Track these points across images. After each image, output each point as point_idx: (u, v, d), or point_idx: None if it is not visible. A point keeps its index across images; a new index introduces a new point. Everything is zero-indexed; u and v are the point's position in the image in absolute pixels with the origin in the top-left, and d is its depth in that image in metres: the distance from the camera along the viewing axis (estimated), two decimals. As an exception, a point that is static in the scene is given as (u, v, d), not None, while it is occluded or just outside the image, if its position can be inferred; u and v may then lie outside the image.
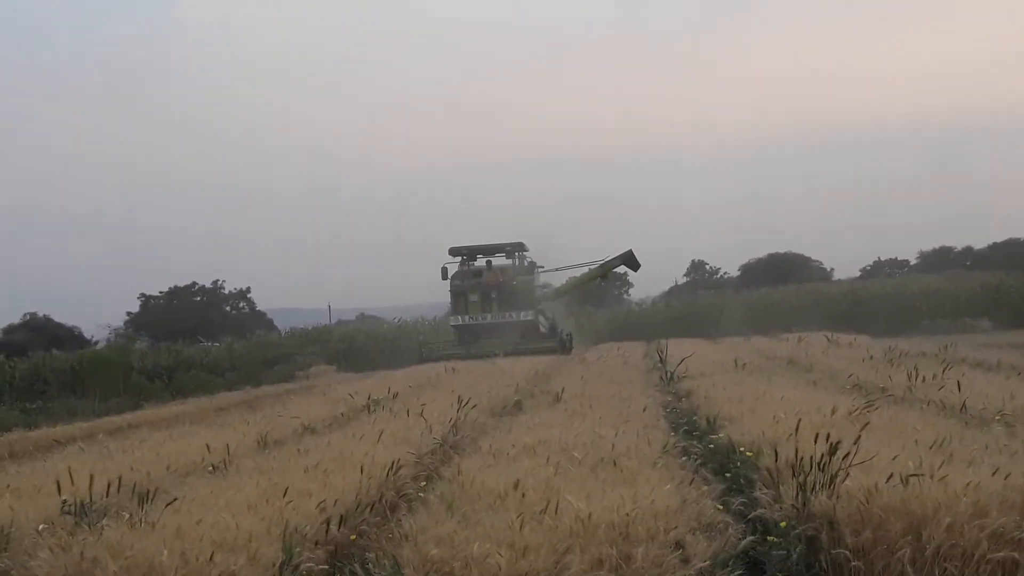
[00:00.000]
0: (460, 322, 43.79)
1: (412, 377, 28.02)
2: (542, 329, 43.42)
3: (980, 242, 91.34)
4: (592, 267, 45.83)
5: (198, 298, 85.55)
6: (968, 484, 6.96)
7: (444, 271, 43.91)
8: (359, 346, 55.78)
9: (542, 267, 46.55)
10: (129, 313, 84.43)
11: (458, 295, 44.13)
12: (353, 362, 48.81)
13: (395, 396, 20.39)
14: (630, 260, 45.29)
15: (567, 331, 43.75)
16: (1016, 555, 6.30)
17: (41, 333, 72.49)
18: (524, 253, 45.32)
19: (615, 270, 48.78)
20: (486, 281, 43.68)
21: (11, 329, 74.68)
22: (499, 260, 44.77)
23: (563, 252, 50.55)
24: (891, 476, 7.16)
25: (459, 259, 44.70)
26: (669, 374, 23.99)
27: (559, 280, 47.42)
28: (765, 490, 7.87)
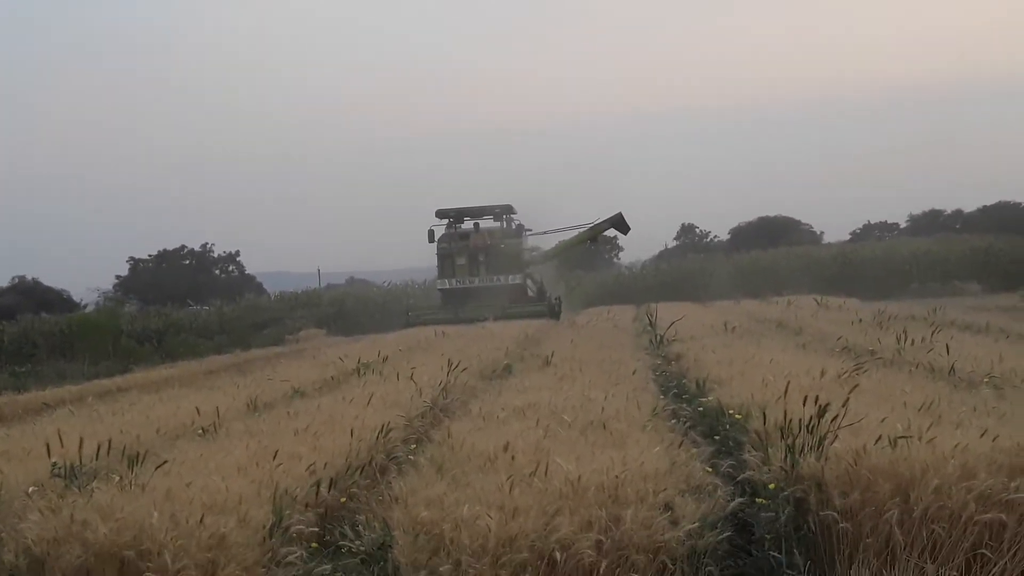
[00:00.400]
0: (447, 286, 42.80)
1: (402, 341, 28.02)
2: (530, 293, 42.60)
3: (970, 205, 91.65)
4: (582, 230, 45.10)
5: (187, 261, 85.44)
6: (956, 446, 6.99)
7: (431, 233, 43.26)
8: (349, 310, 55.71)
9: (531, 230, 45.39)
10: (118, 277, 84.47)
11: (445, 258, 43.16)
12: (343, 326, 48.74)
13: (385, 359, 20.39)
14: (620, 223, 44.57)
15: (556, 295, 43.06)
16: (1003, 516, 6.33)
17: (30, 296, 72.45)
18: (512, 216, 44.61)
19: (605, 233, 47.98)
20: (473, 244, 42.69)
21: (0, 295, 74.58)
22: (487, 223, 43.97)
23: (552, 215, 49.98)
24: (879, 438, 7.19)
25: (446, 221, 43.91)
26: (659, 337, 24.02)
27: (548, 243, 46.40)
28: (754, 452, 7.90)
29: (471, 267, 42.09)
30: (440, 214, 43.45)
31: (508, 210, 44.00)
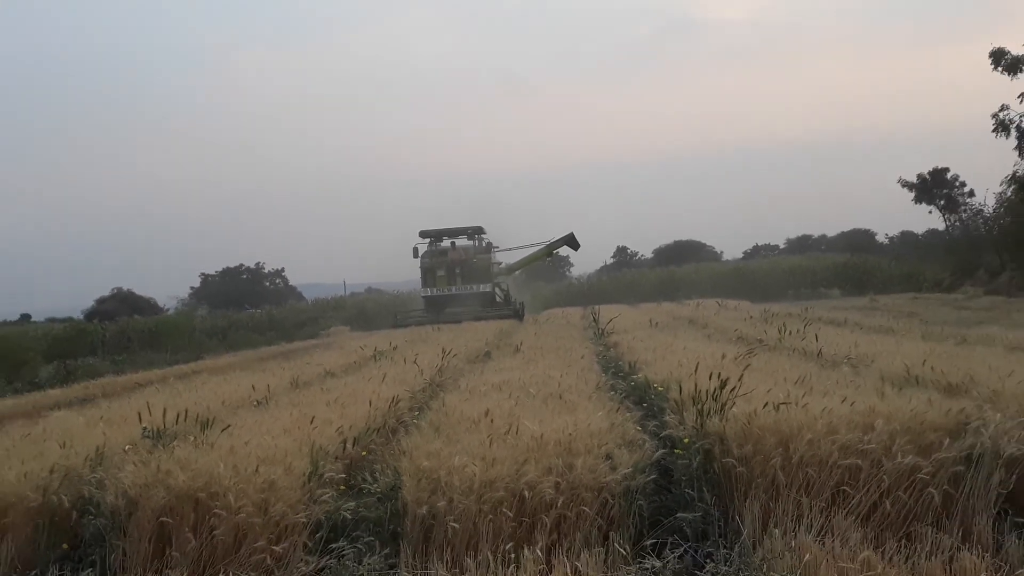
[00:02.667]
0: (429, 293, 41.60)
1: (408, 335, 27.93)
2: (498, 299, 41.64)
3: (832, 231, 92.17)
4: (540, 247, 44.30)
5: (244, 276, 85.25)
6: (823, 409, 7.02)
7: (415, 250, 41.99)
8: (368, 311, 55.55)
9: (498, 247, 44.65)
10: (192, 287, 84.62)
11: (427, 271, 41.76)
12: (363, 324, 48.39)
13: (395, 348, 20.35)
14: (571, 241, 43.71)
15: (520, 300, 42.04)
16: (859, 461, 6.36)
17: (125, 303, 72.40)
18: (483, 236, 43.59)
19: (560, 251, 46.02)
20: (451, 259, 41.72)
21: (103, 300, 74.47)
22: (462, 241, 43.13)
23: (517, 234, 50.34)
24: (766, 404, 7.21)
25: (428, 240, 42.75)
26: (600, 331, 23.98)
27: (513, 258, 45.28)
28: (672, 415, 7.91)
29: (449, 278, 41.16)
30: (423, 234, 42.58)
31: (479, 231, 43.30)
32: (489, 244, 43.51)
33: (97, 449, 7.85)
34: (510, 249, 44.47)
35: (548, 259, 48.70)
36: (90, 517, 6.82)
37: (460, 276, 41.00)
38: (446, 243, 42.49)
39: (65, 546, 6.82)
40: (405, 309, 44.01)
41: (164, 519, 6.45)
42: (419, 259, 41.79)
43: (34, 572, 6.55)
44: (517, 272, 46.35)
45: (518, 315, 36.68)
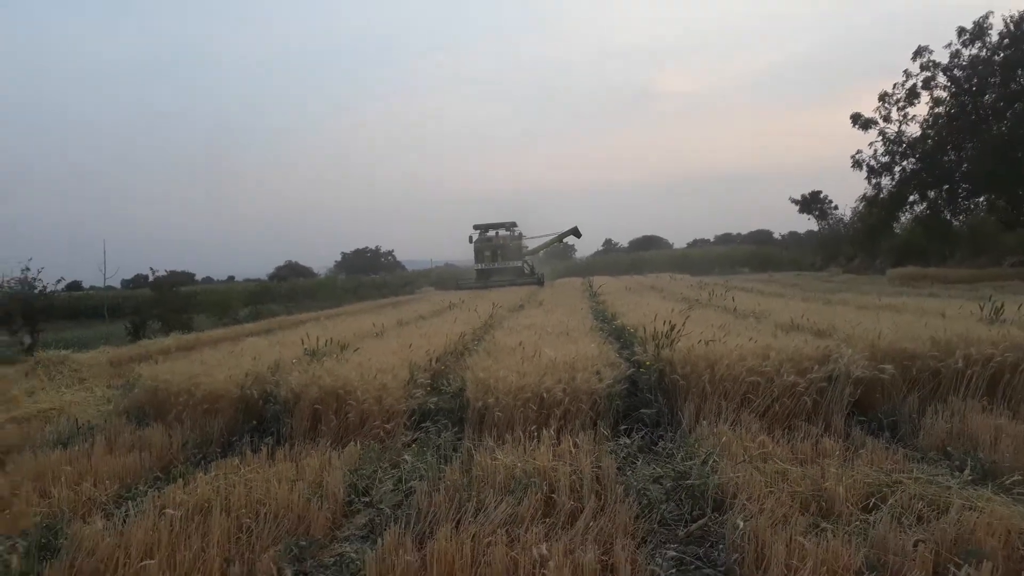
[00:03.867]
0: (479, 267, 40.83)
1: (470, 294, 27.90)
2: (526, 271, 40.84)
3: (744, 230, 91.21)
4: (554, 236, 43.98)
5: (368, 254, 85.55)
6: (736, 345, 6.98)
7: (470, 238, 41.54)
8: (445, 278, 55.42)
9: (526, 236, 43.77)
10: (336, 261, 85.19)
11: (478, 251, 41.12)
12: (442, 286, 48.24)
13: (463, 302, 20.39)
14: (576, 232, 43.33)
15: (541, 272, 41.74)
16: (759, 379, 6.31)
17: (293, 270, 73.08)
18: (515, 227, 42.86)
19: (567, 240, 46.01)
20: (494, 243, 41.06)
21: (280, 268, 75.16)
22: (501, 232, 42.33)
23: (539, 227, 50.22)
24: (700, 340, 7.18)
25: (479, 231, 42.05)
26: (594, 293, 23.95)
27: (536, 243, 44.36)
28: (639, 347, 7.88)
29: (493, 257, 40.52)
30: (475, 226, 42.04)
31: (513, 224, 42.66)
32: (520, 233, 42.87)
33: (275, 361, 7.95)
34: (534, 237, 43.90)
35: (560, 244, 48.12)
36: (270, 404, 6.90)
37: (500, 255, 40.46)
38: (491, 232, 41.90)
39: (254, 422, 6.91)
40: (464, 278, 43.35)
41: (317, 406, 6.52)
42: (472, 243, 41.30)
43: (235, 438, 6.65)
44: (540, 253, 46.18)
45: (540, 282, 36.04)
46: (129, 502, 4.91)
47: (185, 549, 3.78)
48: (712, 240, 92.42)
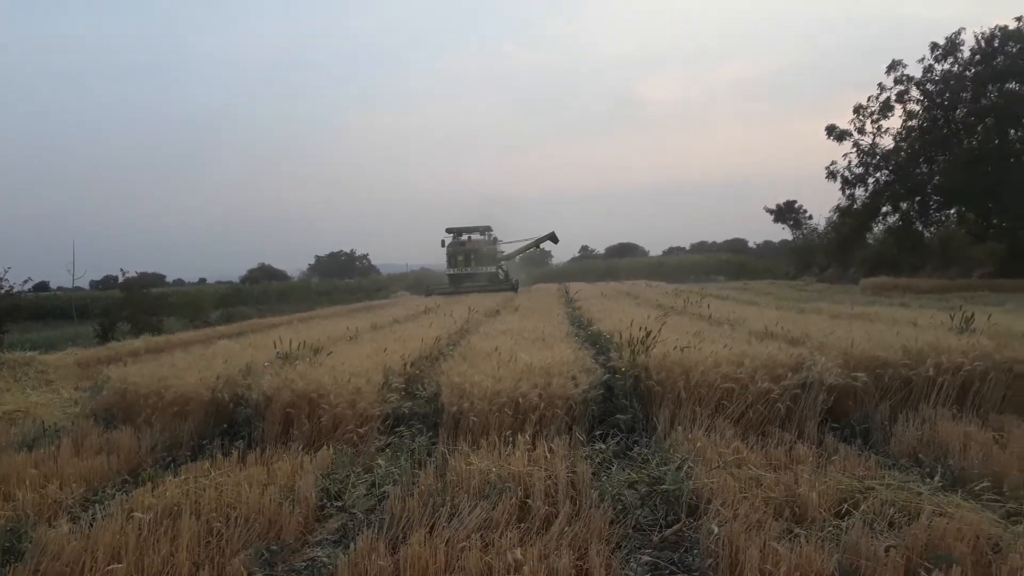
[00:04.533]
0: (452, 272, 38.92)
1: (446, 298, 27.91)
2: (501, 277, 38.97)
3: (720, 238, 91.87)
4: (530, 241, 42.22)
5: (343, 258, 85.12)
6: (711, 351, 7.03)
7: (443, 242, 39.73)
8: (421, 282, 55.06)
9: (500, 240, 42.17)
10: (309, 264, 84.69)
11: (451, 256, 39.23)
12: (418, 291, 48.12)
13: (438, 307, 20.36)
14: (553, 237, 41.39)
15: (516, 279, 39.39)
16: (733, 385, 6.36)
17: (266, 273, 72.40)
18: (490, 232, 41.39)
19: (544, 245, 44.04)
20: (467, 248, 39.14)
21: (252, 270, 74.55)
22: (475, 236, 40.52)
23: (514, 232, 48.61)
24: (674, 347, 7.21)
25: (452, 235, 40.27)
26: (570, 299, 23.99)
27: (511, 248, 42.54)
28: (615, 353, 7.89)
29: (466, 261, 38.71)
30: (448, 230, 40.41)
31: (487, 228, 41.32)
32: (495, 238, 41.59)
33: (247, 364, 7.88)
34: (510, 242, 42.61)
35: (536, 250, 47.01)
36: (242, 407, 6.84)
37: (474, 260, 38.89)
38: (464, 237, 40.41)
39: (225, 425, 6.85)
40: (435, 283, 41.72)
41: (289, 410, 6.47)
42: (445, 248, 39.80)
43: (205, 441, 6.58)
44: (517, 258, 45.13)
45: (514, 289, 34.70)
46: (96, 505, 4.83)
47: (153, 553, 3.72)
48: (688, 248, 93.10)
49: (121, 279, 26.34)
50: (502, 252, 42.10)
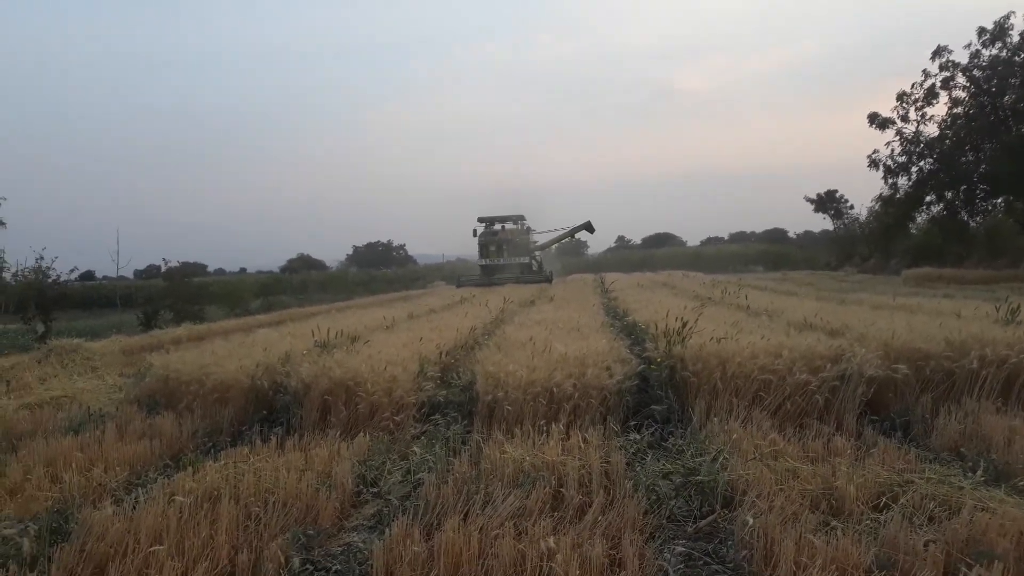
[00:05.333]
0: (484, 263, 37.38)
1: (482, 288, 28.01)
2: (534, 267, 37.62)
3: (759, 228, 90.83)
4: (565, 230, 40.64)
5: (380, 248, 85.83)
6: (748, 342, 6.96)
7: (475, 232, 37.93)
8: (457, 272, 55.31)
9: (535, 230, 40.58)
10: (348, 254, 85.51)
11: (483, 246, 37.59)
12: (455, 281, 48.42)
13: (473, 296, 20.43)
14: (589, 227, 39.48)
15: (550, 269, 38.72)
16: (771, 376, 6.29)
17: (305, 263, 73.49)
18: (524, 221, 39.40)
19: (580, 234, 42.40)
20: (500, 238, 37.57)
21: (292, 260, 75.57)
22: (508, 225, 38.81)
23: (549, 222, 46.26)
24: (711, 338, 7.16)
25: (484, 224, 38.40)
26: (605, 289, 23.92)
27: (545, 238, 41.11)
28: (650, 344, 7.85)
29: (498, 252, 37.17)
30: (480, 219, 38.63)
31: (521, 217, 39.42)
32: (528, 227, 40.14)
33: (286, 352, 7.98)
34: (543, 232, 41.40)
35: (571, 240, 45.54)
36: (280, 394, 6.94)
37: (506, 250, 37.46)
38: (497, 226, 38.94)
39: (264, 412, 6.95)
40: (467, 274, 40.71)
41: (327, 397, 6.55)
42: (477, 238, 38.27)
43: (245, 427, 6.69)
44: (553, 249, 44.20)
45: (548, 280, 33.58)
46: (139, 489, 4.94)
47: (194, 536, 3.80)
48: (726, 238, 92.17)
49: (164, 268, 26.81)
50: (535, 242, 40.80)
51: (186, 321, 18.51)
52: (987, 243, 36.02)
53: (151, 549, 3.69)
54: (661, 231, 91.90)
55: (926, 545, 3.57)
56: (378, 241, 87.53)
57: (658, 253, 69.75)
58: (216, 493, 4.42)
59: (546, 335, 8.75)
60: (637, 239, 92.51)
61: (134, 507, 4.26)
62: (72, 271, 20.08)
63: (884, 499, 4.23)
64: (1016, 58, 30.62)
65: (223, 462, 5.14)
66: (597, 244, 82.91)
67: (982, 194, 33.58)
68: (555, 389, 6.18)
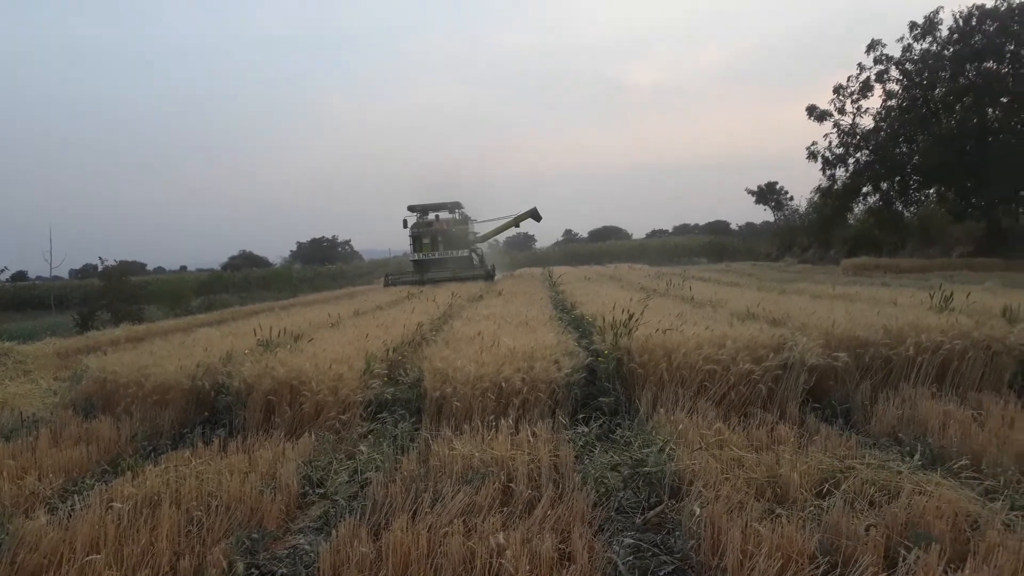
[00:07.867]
0: (416, 258, 33.34)
1: (431, 284, 27.85)
2: (475, 263, 33.85)
3: (702, 220, 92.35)
4: (509, 219, 35.46)
5: (325, 244, 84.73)
6: (693, 333, 7.04)
7: (405, 222, 33.76)
8: (404, 269, 55.07)
9: (474, 219, 36.02)
10: (291, 250, 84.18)
11: (415, 239, 33.46)
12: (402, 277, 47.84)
13: (421, 292, 20.32)
14: (535, 214, 34.88)
15: (493, 264, 35.51)
16: (715, 367, 6.38)
17: (248, 260, 72.08)
18: (461, 209, 35.23)
19: (525, 224, 36.18)
20: (434, 229, 33.50)
21: (233, 257, 74.10)
22: (444, 214, 34.71)
23: (493, 210, 42.64)
24: (657, 329, 7.22)
25: (416, 214, 34.17)
26: (553, 283, 24.01)
27: (487, 228, 36.62)
28: (598, 336, 7.90)
29: (433, 245, 33.15)
30: (411, 208, 34.40)
31: (458, 205, 35.18)
32: (466, 217, 36.13)
33: (227, 352, 7.81)
34: (485, 221, 37.28)
35: (519, 233, 43.12)
36: (222, 395, 6.79)
37: (442, 243, 33.58)
38: (431, 216, 34.94)
39: (206, 414, 6.80)
40: (397, 271, 37.35)
41: (270, 397, 6.43)
42: (408, 229, 34.16)
43: (186, 430, 6.53)
44: (500, 240, 43.27)
45: (490, 276, 30.77)
46: (75, 496, 4.78)
47: (133, 543, 3.69)
48: (670, 231, 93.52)
49: (101, 267, 26.08)
50: (476, 233, 36.88)
51: (124, 322, 17.98)
52: (920, 232, 37.20)
53: (88, 558, 3.57)
54: (608, 224, 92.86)
55: (867, 529, 3.65)
56: (323, 237, 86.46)
57: (605, 246, 70.43)
58: (156, 498, 4.30)
59: (495, 329, 8.73)
60: (584, 233, 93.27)
61: (69, 515, 4.12)
62: (2, 271, 19.40)
63: (827, 485, 4.32)
64: (945, 52, 31.63)
65: (164, 466, 5.01)
66: (545, 238, 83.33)
67: (915, 185, 34.67)
68: (504, 384, 6.17)
